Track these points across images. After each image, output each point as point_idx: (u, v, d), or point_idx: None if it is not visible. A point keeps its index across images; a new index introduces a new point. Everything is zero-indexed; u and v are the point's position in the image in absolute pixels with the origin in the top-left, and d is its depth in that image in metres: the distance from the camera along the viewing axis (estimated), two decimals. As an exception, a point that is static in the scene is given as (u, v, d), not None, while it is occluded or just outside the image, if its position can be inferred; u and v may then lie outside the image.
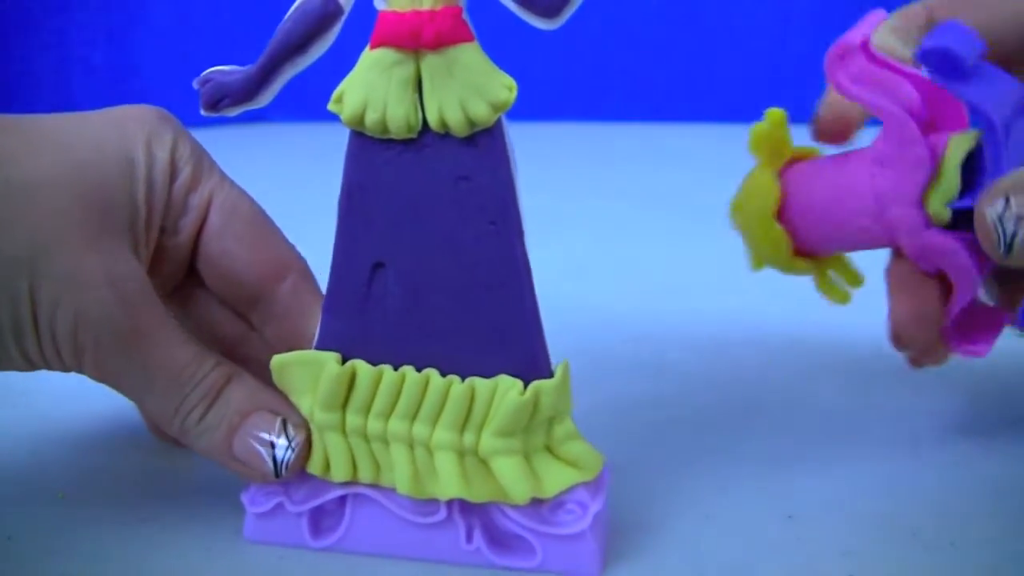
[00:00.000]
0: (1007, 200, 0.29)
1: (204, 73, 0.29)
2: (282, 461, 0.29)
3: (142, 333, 0.29)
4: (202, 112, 0.29)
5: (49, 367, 0.30)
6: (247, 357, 0.33)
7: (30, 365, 0.29)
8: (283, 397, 0.30)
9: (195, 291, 0.34)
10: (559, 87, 1.21)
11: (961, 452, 0.37)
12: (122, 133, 0.31)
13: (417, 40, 0.26)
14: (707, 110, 1.22)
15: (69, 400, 0.41)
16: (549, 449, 0.29)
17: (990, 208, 0.30)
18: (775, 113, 0.37)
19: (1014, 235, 0.29)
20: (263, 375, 0.30)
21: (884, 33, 0.35)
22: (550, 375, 0.28)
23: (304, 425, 0.29)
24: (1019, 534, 0.31)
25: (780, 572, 0.29)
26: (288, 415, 0.29)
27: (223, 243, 0.32)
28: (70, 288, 0.28)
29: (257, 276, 0.33)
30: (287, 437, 0.29)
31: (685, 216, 0.76)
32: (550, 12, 0.26)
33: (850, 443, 0.37)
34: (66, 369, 0.29)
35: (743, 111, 1.22)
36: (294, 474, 0.29)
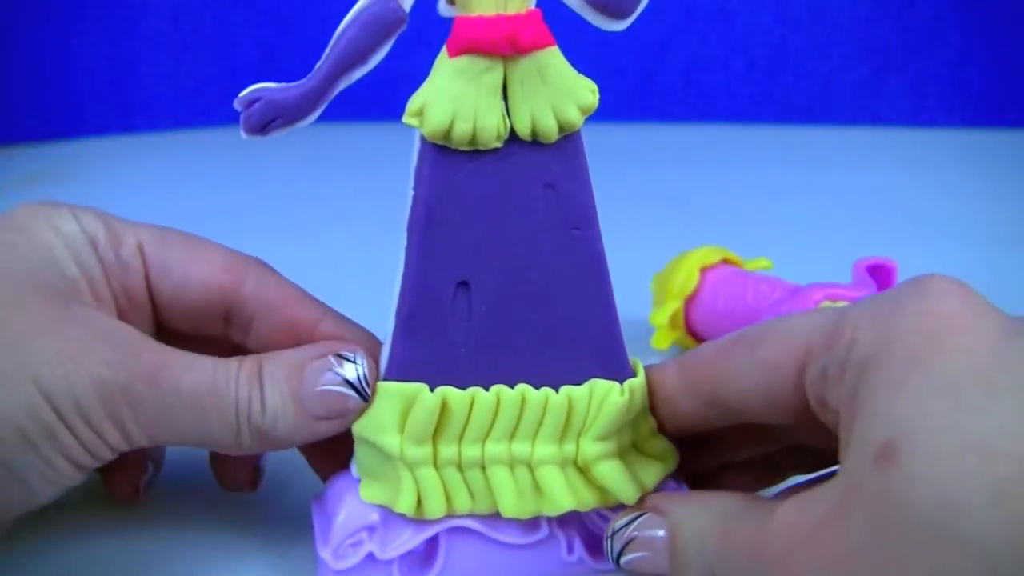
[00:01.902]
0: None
1: (249, 91, 0.26)
2: (360, 382, 0.27)
3: (161, 364, 0.27)
4: (244, 135, 0.26)
5: (99, 461, 0.27)
6: None
7: (81, 467, 0.26)
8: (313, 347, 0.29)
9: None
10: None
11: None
12: (23, 229, 0.29)
13: (515, 44, 0.25)
14: (707, 110, 1.21)
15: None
16: (635, 446, 0.29)
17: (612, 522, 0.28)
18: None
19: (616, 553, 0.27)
20: None
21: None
22: (633, 374, 0.28)
23: (356, 347, 0.28)
24: None
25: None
26: (334, 348, 0.28)
27: (172, 278, 0.30)
28: (74, 364, 0.26)
29: (218, 289, 0.31)
30: (350, 360, 0.28)
31: (685, 216, 0.76)
32: (623, 13, 0.27)
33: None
34: (118, 452, 0.27)
35: (743, 111, 1.19)
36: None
